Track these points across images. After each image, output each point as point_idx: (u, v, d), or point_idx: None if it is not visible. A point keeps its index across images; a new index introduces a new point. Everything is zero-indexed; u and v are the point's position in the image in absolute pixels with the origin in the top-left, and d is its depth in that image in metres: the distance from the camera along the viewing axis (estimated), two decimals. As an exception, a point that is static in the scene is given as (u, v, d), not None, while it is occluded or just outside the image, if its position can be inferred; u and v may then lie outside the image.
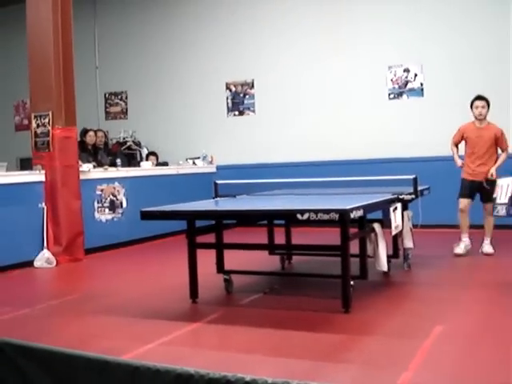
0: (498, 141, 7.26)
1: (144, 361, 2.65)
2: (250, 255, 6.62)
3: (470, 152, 7.34)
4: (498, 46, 9.44)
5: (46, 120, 7.85)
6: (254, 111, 11.40)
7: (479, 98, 7.32)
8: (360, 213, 4.71)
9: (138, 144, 11.77)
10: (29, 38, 8.08)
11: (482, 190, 7.17)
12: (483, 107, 7.23)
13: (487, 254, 7.17)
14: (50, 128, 7.84)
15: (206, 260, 5.60)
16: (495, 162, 7.23)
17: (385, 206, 5.54)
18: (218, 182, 6.54)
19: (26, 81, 8.25)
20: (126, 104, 12.59)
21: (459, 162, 7.38)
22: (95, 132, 10.26)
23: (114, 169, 9.28)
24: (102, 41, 12.71)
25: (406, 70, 10.12)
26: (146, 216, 5.19)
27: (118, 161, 9.83)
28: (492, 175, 7.08)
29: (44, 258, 7.61)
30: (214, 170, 11.31)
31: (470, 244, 7.29)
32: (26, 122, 12.58)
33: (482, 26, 9.59)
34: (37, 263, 7.59)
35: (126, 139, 11.69)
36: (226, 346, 4.20)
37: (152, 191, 9.31)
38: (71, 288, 6.48)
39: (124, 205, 9.11)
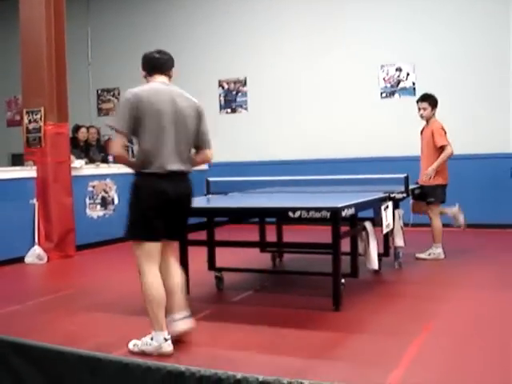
0: (433, 138, 6.96)
1: (135, 358, 2.66)
2: (241, 253, 6.63)
3: None
4: (494, 45, 9.48)
5: (38, 116, 7.83)
6: (246, 109, 11.41)
7: (420, 99, 7.15)
8: (351, 211, 4.73)
9: (130, 141, 11.72)
10: (21, 34, 8.04)
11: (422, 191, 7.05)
12: (424, 109, 7.03)
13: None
14: (41, 124, 7.82)
15: (198, 257, 5.61)
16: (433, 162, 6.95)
17: (376, 204, 5.56)
18: (210, 179, 6.55)
19: (18, 77, 8.22)
20: (119, 100, 12.56)
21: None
22: (87, 128, 10.22)
23: (105, 165, 9.25)
24: (94, 37, 12.66)
25: (399, 69, 10.15)
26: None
27: (110, 157, 9.80)
28: (426, 176, 6.92)
29: (35, 254, 7.59)
30: (205, 167, 11.28)
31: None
32: (18, 117, 12.52)
33: (477, 25, 9.62)
34: (28, 259, 7.57)
35: (119, 136, 11.64)
36: (217, 343, 4.20)
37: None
38: (62, 284, 6.47)
39: (115, 201, 9.10)
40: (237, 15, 11.41)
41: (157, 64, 4.15)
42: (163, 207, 3.98)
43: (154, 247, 3.98)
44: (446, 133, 6.99)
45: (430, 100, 7.08)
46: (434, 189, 6.97)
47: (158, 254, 4.00)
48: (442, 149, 6.92)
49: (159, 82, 4.10)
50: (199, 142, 4.17)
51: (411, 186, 6.39)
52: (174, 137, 3.99)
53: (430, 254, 7.02)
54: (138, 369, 2.46)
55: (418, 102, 7.16)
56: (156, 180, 3.97)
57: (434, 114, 7.09)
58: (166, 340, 3.85)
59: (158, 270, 3.99)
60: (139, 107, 3.91)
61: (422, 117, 7.11)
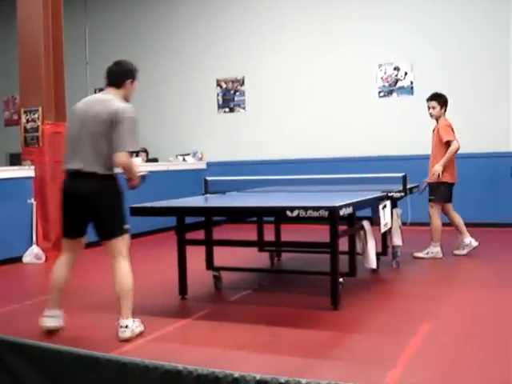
0: (439, 135, 6.98)
1: (133, 357, 2.66)
2: (239, 252, 6.63)
3: None
4: (493, 44, 9.49)
5: (36, 115, 7.82)
6: (244, 108, 11.40)
7: (429, 98, 7.15)
8: (349, 210, 4.73)
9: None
10: (19, 34, 8.04)
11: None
12: (433, 108, 7.06)
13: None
14: (39, 123, 7.82)
15: (196, 256, 5.60)
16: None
17: (374, 203, 5.56)
18: (208, 178, 6.54)
19: (15, 76, 8.21)
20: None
21: None
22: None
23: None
24: (92, 36, 12.66)
25: (396, 69, 10.15)
26: (136, 212, 5.20)
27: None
28: (434, 174, 6.90)
29: (33, 254, 7.59)
30: (204, 166, 11.31)
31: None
32: (15, 117, 12.50)
33: (475, 25, 9.62)
34: (26, 259, 7.57)
35: (116, 135, 11.63)
36: (215, 342, 4.20)
37: (141, 187, 9.25)
38: (60, 284, 6.45)
39: (114, 201, 9.06)
40: (235, 15, 11.41)
41: (107, 76, 4.55)
42: (69, 205, 4.35)
43: (63, 241, 4.53)
44: (453, 130, 6.99)
45: (438, 99, 7.09)
46: (437, 186, 6.95)
47: (65, 248, 4.54)
48: (448, 145, 6.91)
49: (101, 92, 4.51)
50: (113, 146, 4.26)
51: (409, 185, 6.39)
52: (79, 139, 4.26)
53: (428, 253, 7.02)
54: (136, 368, 2.46)
55: (427, 100, 7.16)
56: (64, 179, 4.39)
57: (444, 113, 7.10)
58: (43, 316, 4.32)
59: (63, 259, 4.54)
60: (73, 117, 4.47)
61: (431, 116, 7.13)
